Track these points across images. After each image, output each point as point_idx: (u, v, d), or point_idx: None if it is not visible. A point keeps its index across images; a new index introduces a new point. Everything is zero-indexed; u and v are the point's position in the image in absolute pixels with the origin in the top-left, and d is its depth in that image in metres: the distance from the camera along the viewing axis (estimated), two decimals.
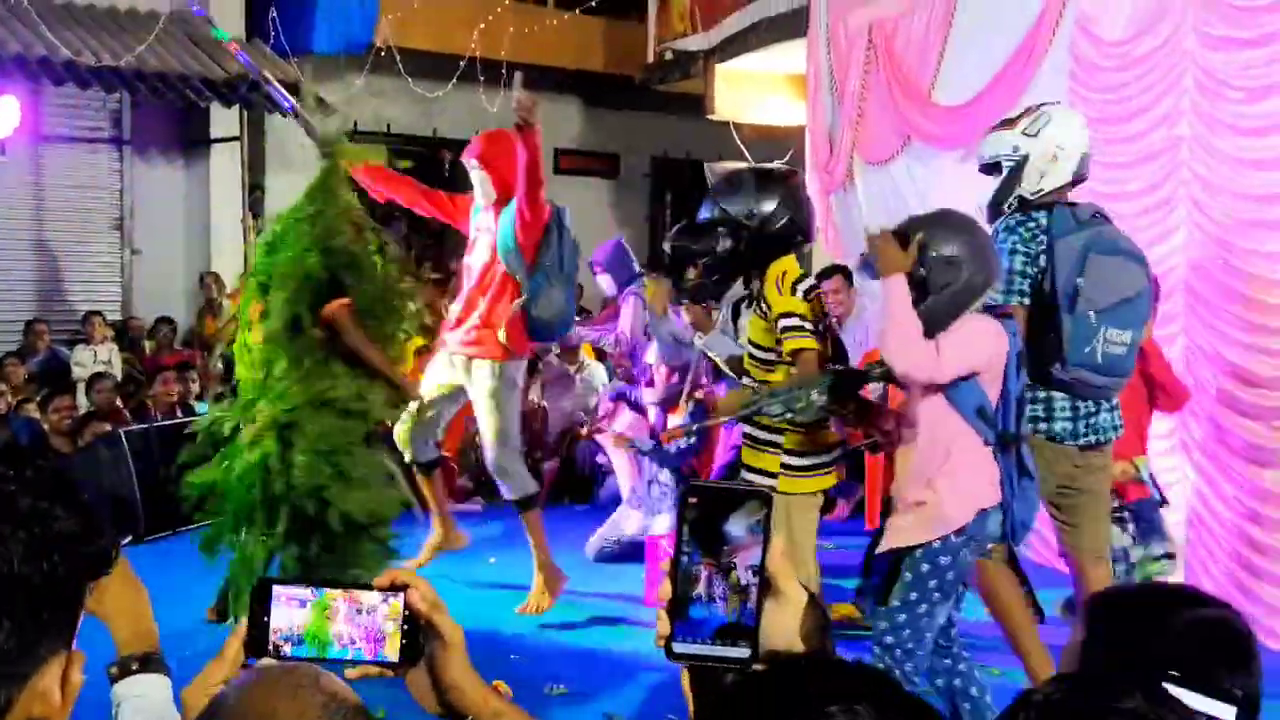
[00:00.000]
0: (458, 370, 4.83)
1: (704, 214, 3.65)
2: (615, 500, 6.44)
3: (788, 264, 3.57)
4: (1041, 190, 3.60)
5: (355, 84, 10.00)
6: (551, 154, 11.93)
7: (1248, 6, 4.56)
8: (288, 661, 1.16)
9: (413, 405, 4.79)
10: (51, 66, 8.11)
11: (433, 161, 12.01)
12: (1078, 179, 3.66)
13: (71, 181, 9.27)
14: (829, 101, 7.41)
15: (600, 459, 6.94)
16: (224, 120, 9.42)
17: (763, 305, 3.55)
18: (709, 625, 1.06)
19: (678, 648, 1.06)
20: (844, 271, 6.15)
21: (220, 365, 8.17)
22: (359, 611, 1.17)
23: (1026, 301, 3.50)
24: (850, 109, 7.09)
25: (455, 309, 4.95)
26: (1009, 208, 3.63)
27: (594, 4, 10.02)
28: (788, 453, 3.54)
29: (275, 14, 9.54)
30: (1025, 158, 3.59)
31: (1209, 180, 4.75)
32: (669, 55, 10.15)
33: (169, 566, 3.97)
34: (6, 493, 0.88)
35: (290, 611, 1.18)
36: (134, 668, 1.46)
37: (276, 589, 1.18)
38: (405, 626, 1.18)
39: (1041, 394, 3.53)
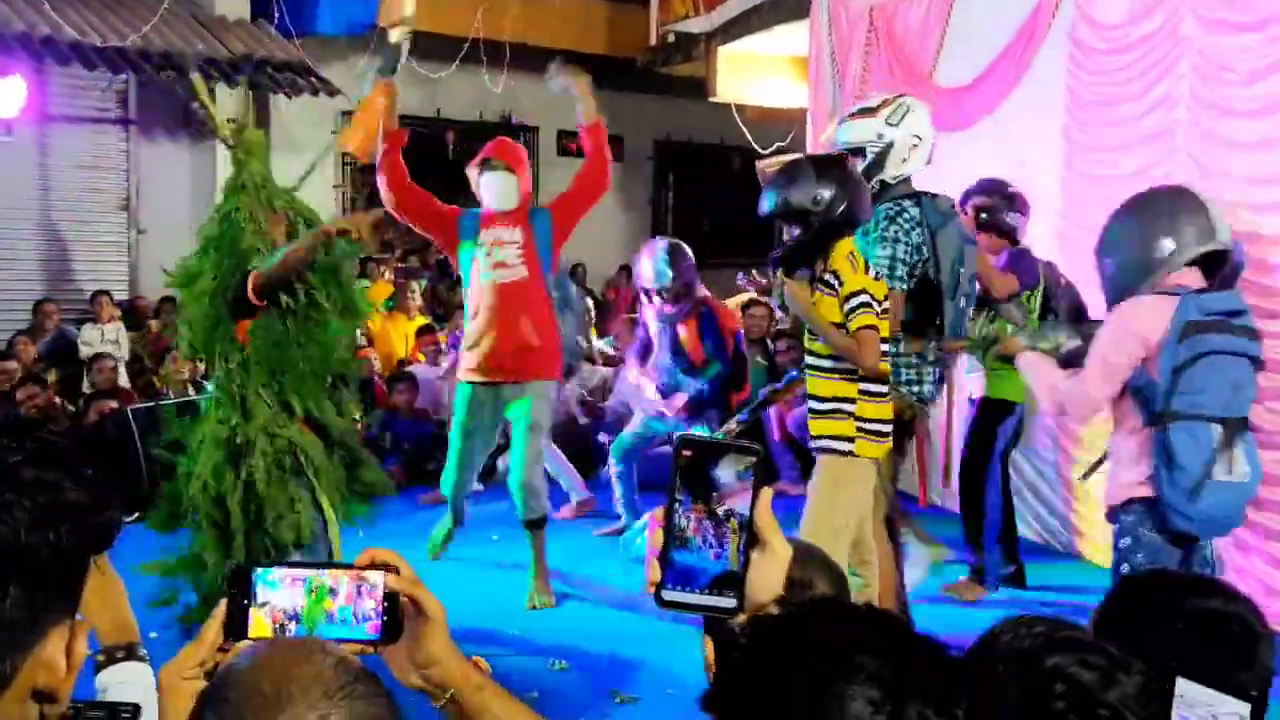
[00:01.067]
0: (500, 398, 4.69)
1: (766, 208, 3.73)
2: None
3: (852, 244, 3.68)
4: (900, 175, 3.93)
5: (359, 65, 10.01)
6: (554, 136, 11.96)
7: None
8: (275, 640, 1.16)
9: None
10: (57, 47, 8.14)
11: (436, 142, 12.05)
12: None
13: (77, 162, 9.29)
14: (831, 84, 7.44)
15: (602, 437, 7.00)
16: (230, 100, 9.44)
17: (833, 283, 3.62)
18: (697, 574, 1.09)
19: (667, 595, 1.10)
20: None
21: None
22: (339, 591, 1.19)
23: (905, 287, 3.82)
24: (852, 91, 7.11)
25: (481, 332, 4.69)
26: (870, 190, 3.84)
27: None
28: (860, 418, 3.63)
29: None
30: (890, 145, 3.91)
31: (1206, 163, 4.78)
32: (671, 38, 10.16)
33: (170, 545, 4.00)
34: (13, 463, 0.88)
35: (271, 592, 1.19)
36: (119, 656, 1.48)
37: (257, 570, 1.19)
38: (385, 604, 1.19)
39: (915, 361, 3.93)
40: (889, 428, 3.67)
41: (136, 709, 1.03)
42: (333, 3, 9.85)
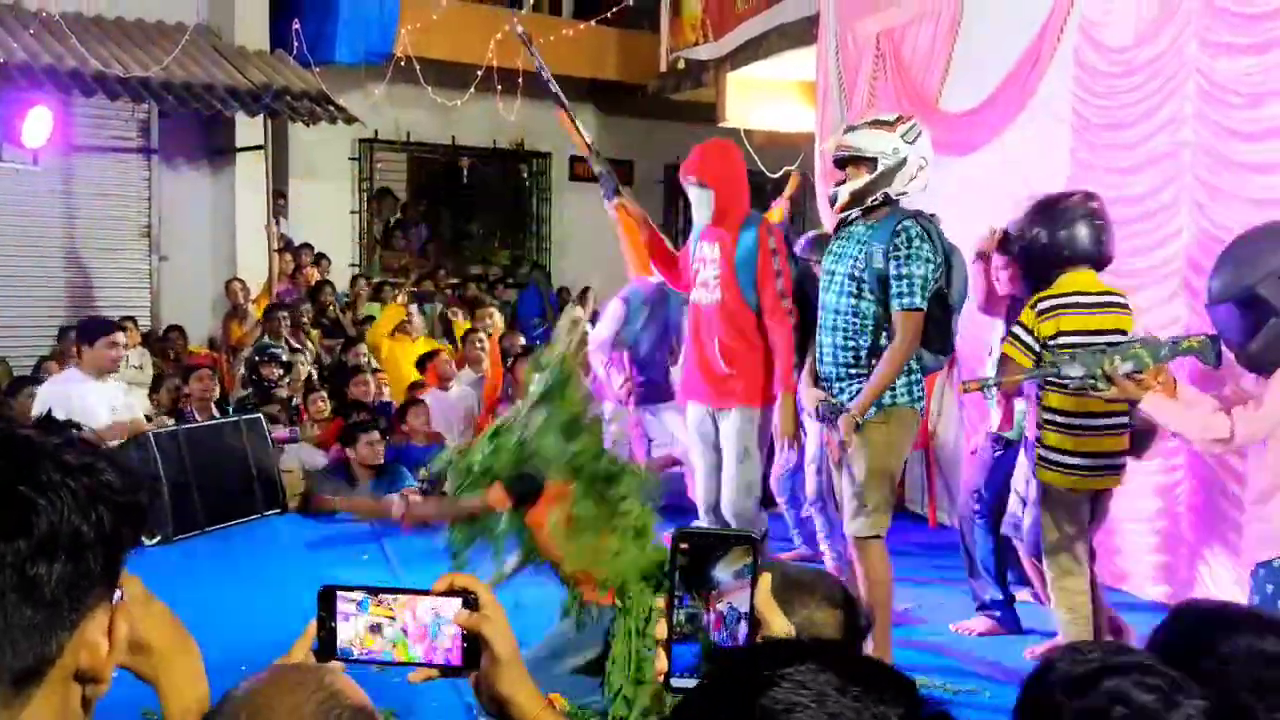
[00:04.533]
0: (713, 418, 4.59)
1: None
2: None
3: None
4: (905, 193, 3.98)
5: (375, 93, 10.19)
6: (566, 162, 12.11)
7: (1250, 13, 4.65)
8: (355, 663, 1.19)
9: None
10: (82, 78, 8.32)
11: (451, 168, 12.22)
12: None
13: (101, 190, 9.45)
14: (838, 108, 7.53)
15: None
16: (249, 129, 9.62)
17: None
18: (702, 661, 1.12)
19: (675, 682, 1.13)
20: None
21: (244, 370, 8.36)
22: (419, 616, 1.20)
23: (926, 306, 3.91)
24: (859, 115, 7.21)
25: (685, 354, 4.70)
26: (872, 201, 3.94)
27: (608, 15, 10.17)
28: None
29: (298, 25, 9.75)
30: (904, 160, 3.93)
31: (1212, 184, 4.84)
32: (681, 64, 10.30)
33: (193, 568, 4.06)
34: (54, 446, 0.90)
35: (355, 617, 1.20)
36: None
37: (340, 594, 1.21)
38: (465, 631, 1.20)
39: (914, 372, 3.99)
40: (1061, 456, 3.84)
41: None
42: (350, 33, 10.04)
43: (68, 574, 0.86)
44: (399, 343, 8.82)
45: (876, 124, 4.04)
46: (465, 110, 10.35)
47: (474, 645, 1.20)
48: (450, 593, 1.21)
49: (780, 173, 7.87)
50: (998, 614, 4.57)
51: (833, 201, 4.17)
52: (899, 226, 3.88)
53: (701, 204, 4.48)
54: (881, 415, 3.92)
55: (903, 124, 4.01)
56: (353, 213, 11.43)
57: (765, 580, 1.15)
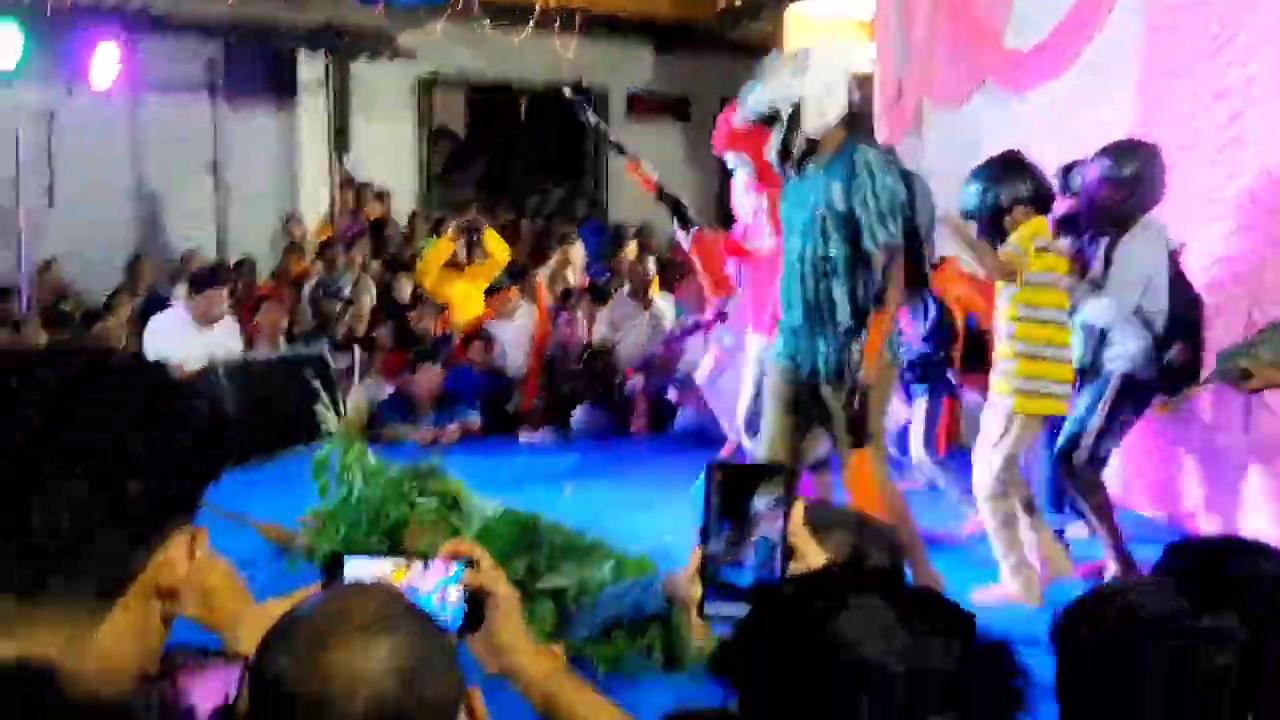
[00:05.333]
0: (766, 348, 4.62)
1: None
2: (689, 433, 6.67)
3: None
4: (826, 125, 3.77)
5: (435, 31, 10.22)
6: (624, 99, 12.07)
7: None
8: None
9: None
10: (149, 17, 8.47)
11: (510, 105, 12.25)
12: (857, 111, 3.87)
13: (167, 127, 9.60)
14: (897, 45, 7.43)
15: (670, 395, 7.17)
16: (311, 67, 9.73)
17: None
18: (737, 589, 1.17)
19: (708, 609, 1.18)
20: None
21: (307, 304, 8.55)
22: (424, 580, 1.26)
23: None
24: (919, 52, 7.11)
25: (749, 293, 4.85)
26: (797, 150, 3.79)
27: None
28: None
29: None
30: (801, 100, 3.74)
31: (1278, 119, 4.75)
32: (739, 1, 10.18)
33: (258, 495, 4.21)
34: (144, 375, 0.95)
35: (361, 580, 1.25)
36: None
37: (348, 559, 1.26)
38: (467, 594, 1.27)
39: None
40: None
41: (242, 659, 1.09)
42: None
43: (152, 494, 0.91)
44: (448, 275, 8.86)
45: (763, 78, 3.87)
46: (523, 48, 10.33)
47: (475, 608, 1.27)
48: (455, 557, 1.28)
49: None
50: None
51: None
52: (855, 159, 3.72)
53: (739, 165, 4.64)
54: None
55: (786, 63, 3.85)
56: (413, 150, 11.52)
57: (798, 510, 1.20)
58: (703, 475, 1.20)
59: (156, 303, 8.57)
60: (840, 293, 3.79)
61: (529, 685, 1.27)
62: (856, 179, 3.70)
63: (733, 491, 1.17)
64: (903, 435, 5.31)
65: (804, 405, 3.93)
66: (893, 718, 0.90)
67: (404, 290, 8.80)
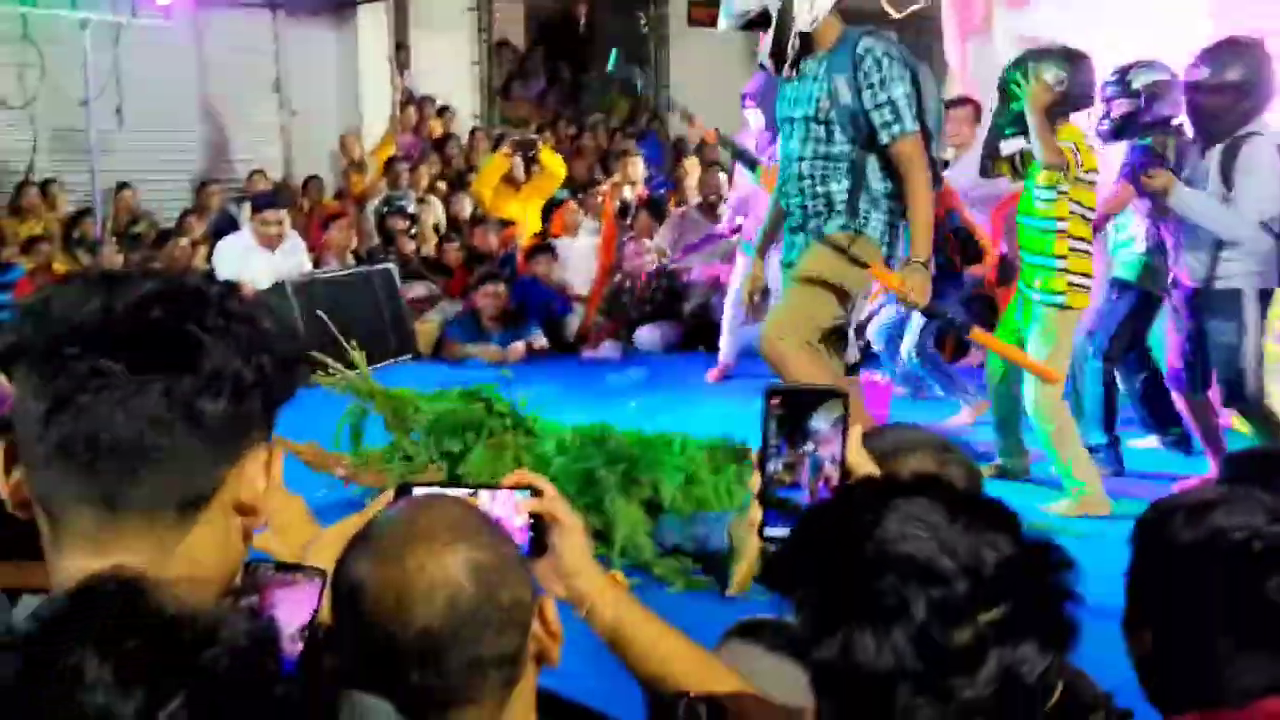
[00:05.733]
0: None
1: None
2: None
3: None
4: (817, 18, 3.57)
5: None
6: (685, 7, 11.82)
7: None
8: None
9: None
10: None
11: (569, 16, 12.08)
12: None
13: (231, 45, 9.57)
14: None
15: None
16: None
17: None
18: (798, 509, 1.16)
19: (768, 531, 1.19)
20: (975, 105, 5.94)
21: (373, 221, 8.61)
22: (490, 507, 1.27)
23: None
24: None
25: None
26: (792, 50, 3.59)
27: None
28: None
29: None
30: None
31: None
32: None
33: (331, 410, 4.31)
34: (218, 295, 0.96)
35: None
36: None
37: (416, 489, 1.27)
38: (532, 521, 1.30)
39: (894, 213, 3.73)
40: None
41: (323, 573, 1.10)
42: None
43: (230, 411, 0.92)
44: (504, 192, 8.84)
45: None
46: None
47: (539, 534, 1.30)
48: (518, 487, 1.31)
49: (906, 10, 7.55)
50: (1101, 455, 4.58)
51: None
52: (858, 52, 3.53)
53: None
54: (846, 237, 3.63)
55: None
56: (474, 64, 11.43)
57: (856, 431, 1.19)
58: (760, 398, 1.20)
59: (227, 223, 8.71)
60: (845, 191, 3.64)
61: (594, 609, 1.30)
62: (861, 70, 3.52)
63: (791, 414, 1.17)
64: (891, 333, 5.41)
65: None
66: (945, 614, 0.90)
67: (465, 208, 8.81)
